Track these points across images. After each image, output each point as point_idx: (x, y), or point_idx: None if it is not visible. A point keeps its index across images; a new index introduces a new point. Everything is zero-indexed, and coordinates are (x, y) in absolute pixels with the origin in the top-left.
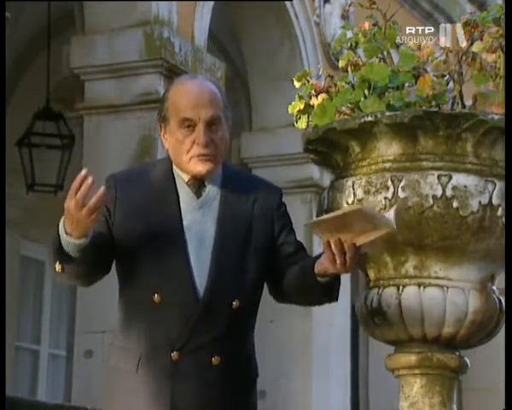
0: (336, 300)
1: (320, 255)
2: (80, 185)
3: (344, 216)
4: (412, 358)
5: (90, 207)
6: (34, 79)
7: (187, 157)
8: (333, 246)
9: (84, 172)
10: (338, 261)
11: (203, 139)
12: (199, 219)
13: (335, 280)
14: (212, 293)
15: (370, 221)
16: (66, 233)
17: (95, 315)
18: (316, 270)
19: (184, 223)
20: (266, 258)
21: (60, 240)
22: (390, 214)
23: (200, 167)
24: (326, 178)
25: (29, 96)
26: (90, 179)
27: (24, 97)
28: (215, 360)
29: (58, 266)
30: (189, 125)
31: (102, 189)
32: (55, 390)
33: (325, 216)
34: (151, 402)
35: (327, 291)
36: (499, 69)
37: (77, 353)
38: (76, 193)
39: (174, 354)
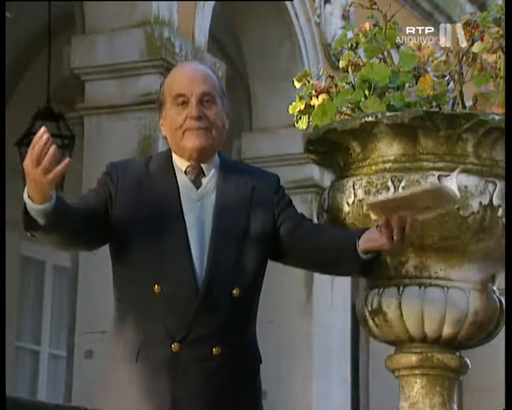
0: (369, 276)
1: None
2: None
3: (411, 197)
4: (412, 358)
5: (45, 166)
6: (34, 79)
7: (180, 132)
8: (394, 223)
9: (42, 130)
10: (395, 238)
11: (195, 112)
12: (198, 210)
13: (377, 258)
14: (212, 282)
15: (437, 198)
16: (29, 197)
17: (95, 315)
18: (362, 246)
19: (184, 214)
20: (268, 244)
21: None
22: (453, 184)
23: (193, 140)
24: (326, 179)
25: (29, 97)
26: (45, 136)
27: (24, 97)
28: (216, 350)
29: (28, 233)
30: (183, 101)
31: (54, 147)
32: (56, 391)
33: (391, 196)
34: (151, 392)
35: (366, 268)
36: (500, 70)
37: (77, 353)
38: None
39: (175, 346)
